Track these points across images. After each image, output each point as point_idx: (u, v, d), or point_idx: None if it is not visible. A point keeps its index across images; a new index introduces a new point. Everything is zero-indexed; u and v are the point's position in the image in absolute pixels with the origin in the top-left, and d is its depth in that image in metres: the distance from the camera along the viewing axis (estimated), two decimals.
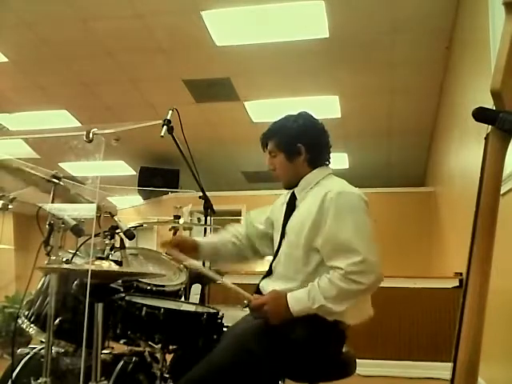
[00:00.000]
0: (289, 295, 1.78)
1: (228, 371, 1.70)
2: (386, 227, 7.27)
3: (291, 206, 1.97)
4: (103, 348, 1.95)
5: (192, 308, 2.22)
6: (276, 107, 6.51)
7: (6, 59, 5.63)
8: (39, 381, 1.81)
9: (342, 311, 1.73)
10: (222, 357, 1.72)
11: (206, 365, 1.71)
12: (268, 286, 1.89)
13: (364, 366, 3.78)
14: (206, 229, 2.68)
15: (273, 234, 2.07)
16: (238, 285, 1.91)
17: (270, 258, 2.02)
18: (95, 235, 1.87)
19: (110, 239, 2.00)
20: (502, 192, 1.16)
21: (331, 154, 2.02)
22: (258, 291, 1.92)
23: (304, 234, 1.82)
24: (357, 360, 1.95)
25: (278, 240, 1.97)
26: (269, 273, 1.95)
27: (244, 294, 1.87)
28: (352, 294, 1.72)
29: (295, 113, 2.00)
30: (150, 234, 7.88)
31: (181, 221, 2.80)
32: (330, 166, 2.00)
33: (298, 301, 1.75)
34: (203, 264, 2.47)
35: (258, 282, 1.96)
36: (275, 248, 1.98)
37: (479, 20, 3.40)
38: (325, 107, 6.52)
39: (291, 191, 2.01)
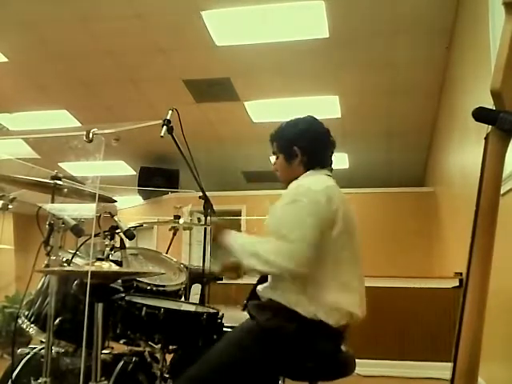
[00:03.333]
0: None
1: (225, 370, 1.71)
2: (385, 227, 7.28)
3: None
4: (103, 348, 1.95)
5: (192, 308, 2.22)
6: (276, 107, 6.51)
7: (6, 59, 5.63)
8: (39, 381, 1.81)
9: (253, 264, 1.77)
10: (219, 356, 1.73)
11: (202, 364, 1.73)
12: (263, 289, 1.92)
13: (364, 366, 3.79)
14: (205, 229, 2.67)
15: None
16: (236, 285, 1.92)
17: None
18: (95, 235, 1.87)
19: (110, 239, 2.00)
20: (502, 192, 1.16)
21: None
22: (253, 294, 1.93)
23: None
24: (356, 360, 1.95)
25: None
26: (265, 278, 1.97)
27: None
28: (261, 258, 1.75)
29: (301, 116, 2.08)
30: (149, 233, 7.88)
31: (181, 221, 2.80)
32: (328, 168, 2.03)
33: (240, 234, 1.94)
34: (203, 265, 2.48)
35: (254, 283, 1.97)
36: None
37: (479, 20, 3.40)
38: (325, 107, 6.52)
39: None
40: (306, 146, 1.99)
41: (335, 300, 1.80)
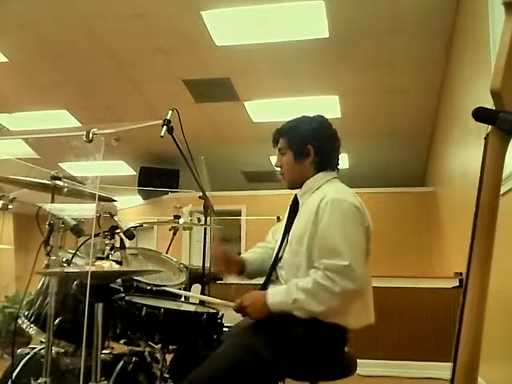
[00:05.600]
0: (268, 290, 1.81)
1: (230, 371, 1.69)
2: (386, 227, 7.28)
3: (294, 211, 1.97)
4: (103, 348, 1.95)
5: (192, 308, 2.22)
6: (276, 107, 6.52)
7: (5, 59, 5.63)
8: (39, 381, 1.81)
9: (321, 312, 1.71)
10: (224, 357, 1.72)
11: (208, 366, 1.71)
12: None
13: (364, 366, 3.78)
14: (205, 229, 2.68)
15: None
16: (239, 285, 1.92)
17: None
18: (95, 235, 1.87)
19: (110, 239, 2.00)
20: (501, 192, 1.16)
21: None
22: None
23: (305, 242, 1.83)
24: (357, 360, 1.95)
25: (279, 243, 1.98)
26: (270, 277, 1.95)
27: (223, 302, 1.90)
28: (327, 292, 1.68)
29: (311, 115, 2.01)
30: (149, 233, 7.89)
31: (181, 221, 2.80)
32: (336, 170, 2.00)
33: (275, 294, 1.78)
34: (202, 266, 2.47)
35: (260, 283, 1.96)
36: (276, 250, 1.98)
37: (479, 20, 3.40)
38: (325, 107, 6.52)
39: (294, 194, 2.01)
40: (320, 145, 1.93)
41: (356, 307, 1.81)
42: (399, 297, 4.45)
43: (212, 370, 1.70)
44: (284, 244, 1.95)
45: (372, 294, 1.92)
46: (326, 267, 1.70)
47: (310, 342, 1.76)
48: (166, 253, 2.69)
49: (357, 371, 1.93)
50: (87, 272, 1.59)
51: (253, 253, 2.13)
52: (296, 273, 1.84)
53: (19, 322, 2.16)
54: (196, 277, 2.57)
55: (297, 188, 1.99)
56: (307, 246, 1.82)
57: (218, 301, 1.92)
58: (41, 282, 2.23)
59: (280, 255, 1.94)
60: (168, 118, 2.29)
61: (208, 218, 2.63)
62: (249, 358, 1.71)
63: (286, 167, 1.98)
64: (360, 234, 1.78)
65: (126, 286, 2.11)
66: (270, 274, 1.95)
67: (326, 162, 1.96)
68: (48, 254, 1.88)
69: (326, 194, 1.83)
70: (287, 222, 1.99)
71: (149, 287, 2.19)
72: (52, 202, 1.96)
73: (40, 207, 2.01)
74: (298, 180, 1.97)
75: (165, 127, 2.26)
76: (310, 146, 1.92)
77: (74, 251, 2.00)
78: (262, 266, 2.06)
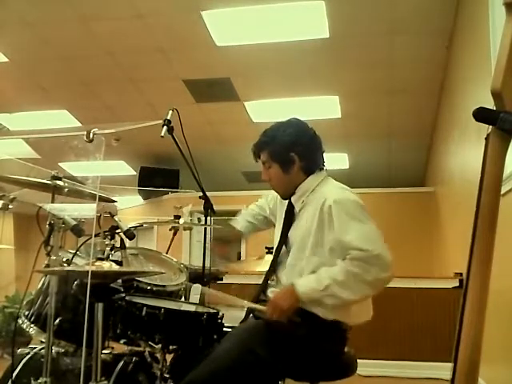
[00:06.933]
0: (295, 281, 1.80)
1: (231, 371, 1.70)
2: (385, 227, 7.25)
3: (290, 217, 1.98)
4: (103, 348, 1.95)
5: (192, 308, 2.22)
6: (276, 107, 6.52)
7: (6, 59, 5.63)
8: (39, 381, 1.81)
9: (354, 300, 1.72)
10: (225, 357, 1.72)
11: (208, 365, 1.71)
12: (273, 292, 1.90)
13: (364, 366, 3.77)
14: (205, 229, 2.67)
15: (271, 219, 2.20)
16: (238, 285, 1.92)
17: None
18: (95, 235, 1.87)
19: (110, 239, 2.00)
20: (502, 192, 1.16)
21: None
22: (262, 300, 1.92)
23: (308, 246, 1.84)
24: (357, 360, 1.95)
25: (276, 247, 1.99)
26: (268, 281, 1.96)
27: (258, 307, 1.88)
28: (359, 281, 1.68)
29: (285, 120, 2.01)
30: (149, 233, 7.88)
31: (181, 221, 2.79)
32: (324, 169, 2.00)
33: (305, 283, 1.77)
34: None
35: (259, 283, 1.97)
36: (273, 254, 2.00)
37: (479, 20, 3.40)
38: (325, 107, 6.52)
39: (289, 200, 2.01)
40: (302, 150, 1.93)
41: (357, 304, 1.81)
42: (399, 297, 4.45)
43: (211, 369, 1.71)
44: (283, 249, 1.95)
45: None
46: (353, 257, 1.69)
47: (310, 342, 1.77)
48: (166, 253, 2.69)
49: (357, 371, 1.93)
50: (87, 272, 1.59)
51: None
52: (298, 277, 1.84)
53: (19, 321, 2.15)
54: (196, 277, 2.56)
55: (291, 196, 1.99)
56: (311, 252, 1.82)
57: (258, 306, 1.91)
58: (41, 282, 2.23)
59: (279, 260, 1.95)
60: (168, 118, 2.29)
61: (208, 218, 2.62)
62: (249, 357, 1.71)
63: (276, 180, 1.98)
64: (373, 224, 1.80)
65: (126, 285, 2.11)
66: (269, 277, 1.95)
67: (312, 164, 1.96)
68: (48, 254, 1.88)
69: (325, 196, 1.83)
70: (283, 227, 1.98)
71: (149, 287, 2.19)
72: (52, 201, 1.96)
73: (40, 207, 2.01)
74: (290, 189, 1.97)
75: (165, 127, 2.26)
76: (293, 153, 1.92)
77: (74, 251, 2.00)
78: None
